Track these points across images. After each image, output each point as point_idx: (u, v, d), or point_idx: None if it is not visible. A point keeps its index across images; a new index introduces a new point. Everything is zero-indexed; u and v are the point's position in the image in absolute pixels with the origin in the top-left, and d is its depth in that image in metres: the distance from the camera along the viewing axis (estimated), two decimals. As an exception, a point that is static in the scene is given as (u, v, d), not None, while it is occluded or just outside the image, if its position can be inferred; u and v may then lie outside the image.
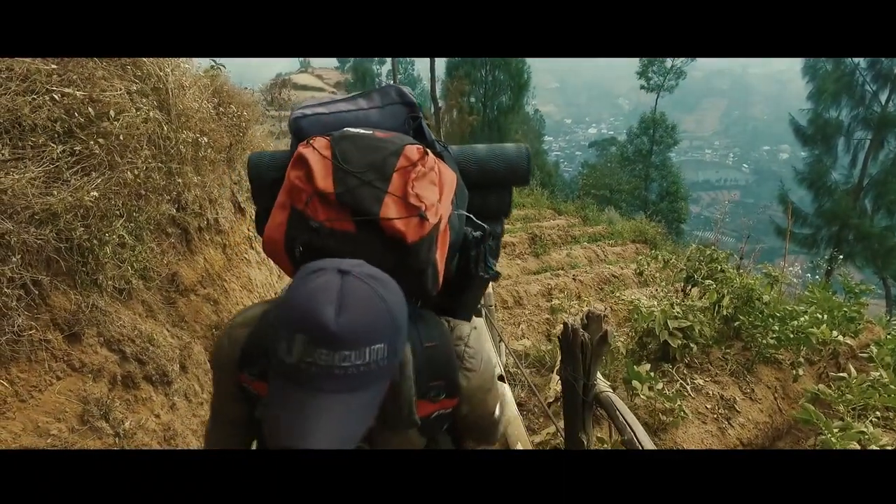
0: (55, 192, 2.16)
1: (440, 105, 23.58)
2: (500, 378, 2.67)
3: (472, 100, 28.00)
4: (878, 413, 2.75)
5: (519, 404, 2.85)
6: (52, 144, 2.30)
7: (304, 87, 46.93)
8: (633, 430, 1.39)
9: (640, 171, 27.67)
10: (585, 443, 1.57)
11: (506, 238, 8.40)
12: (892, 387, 2.79)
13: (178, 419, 2.81)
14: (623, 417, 1.44)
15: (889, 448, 2.28)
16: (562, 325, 3.33)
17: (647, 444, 1.40)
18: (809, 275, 6.06)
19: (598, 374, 1.60)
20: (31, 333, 2.06)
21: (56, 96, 2.42)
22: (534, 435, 2.66)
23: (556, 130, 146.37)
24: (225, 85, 5.20)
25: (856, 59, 16.07)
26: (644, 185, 27.28)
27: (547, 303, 6.43)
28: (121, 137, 2.61)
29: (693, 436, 2.74)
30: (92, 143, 2.45)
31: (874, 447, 2.24)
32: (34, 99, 2.32)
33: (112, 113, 2.59)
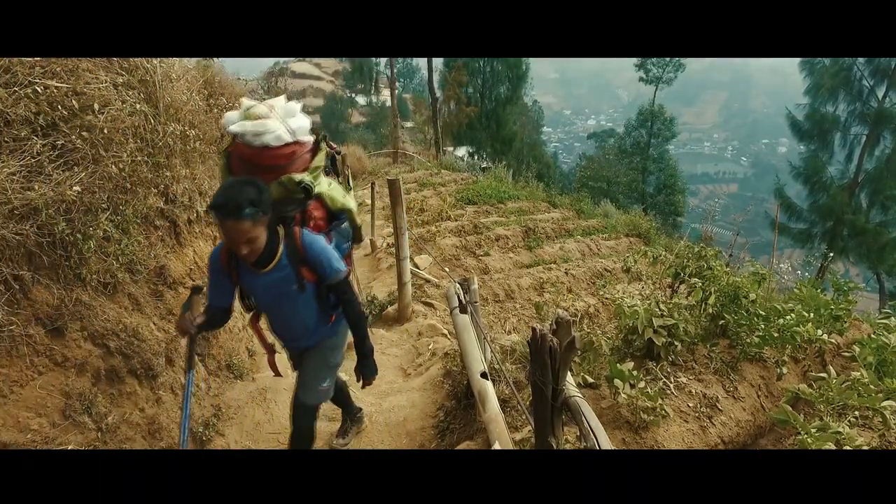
0: (36, 187, 2.15)
1: (438, 96, 23.46)
2: (483, 375, 2.68)
3: (471, 90, 27.88)
4: (856, 413, 2.78)
5: (503, 401, 2.86)
6: (35, 138, 2.28)
7: (303, 76, 46.67)
8: (595, 438, 1.40)
9: (637, 163, 27.63)
10: (555, 446, 1.59)
11: (499, 231, 8.39)
12: (872, 387, 2.82)
13: (163, 413, 2.82)
14: (588, 423, 1.46)
15: (864, 447, 2.30)
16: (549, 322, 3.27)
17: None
18: (800, 271, 6.08)
19: (569, 378, 1.62)
20: (12, 329, 2.07)
21: (39, 88, 2.40)
22: (516, 432, 2.68)
23: (555, 121, 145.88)
24: (217, 76, 5.16)
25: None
26: (641, 178, 27.26)
27: (539, 297, 6.44)
28: (105, 131, 2.60)
29: (674, 434, 2.76)
30: (75, 136, 2.44)
31: (848, 448, 2.26)
32: (15, 91, 2.30)
33: (96, 106, 2.57)
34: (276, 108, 2.31)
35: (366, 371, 2.57)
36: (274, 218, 2.16)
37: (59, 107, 2.40)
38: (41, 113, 2.34)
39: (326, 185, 2.49)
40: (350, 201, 2.61)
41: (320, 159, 2.45)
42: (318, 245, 2.27)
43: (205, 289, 2.37)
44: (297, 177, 2.28)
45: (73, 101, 2.46)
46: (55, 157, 2.34)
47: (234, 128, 2.21)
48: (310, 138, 2.42)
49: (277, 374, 2.76)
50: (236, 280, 2.29)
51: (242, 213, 1.93)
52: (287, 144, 2.26)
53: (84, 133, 2.46)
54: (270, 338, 2.69)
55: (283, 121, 2.27)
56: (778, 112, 20.31)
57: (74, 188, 2.31)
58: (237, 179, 2.07)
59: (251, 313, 2.56)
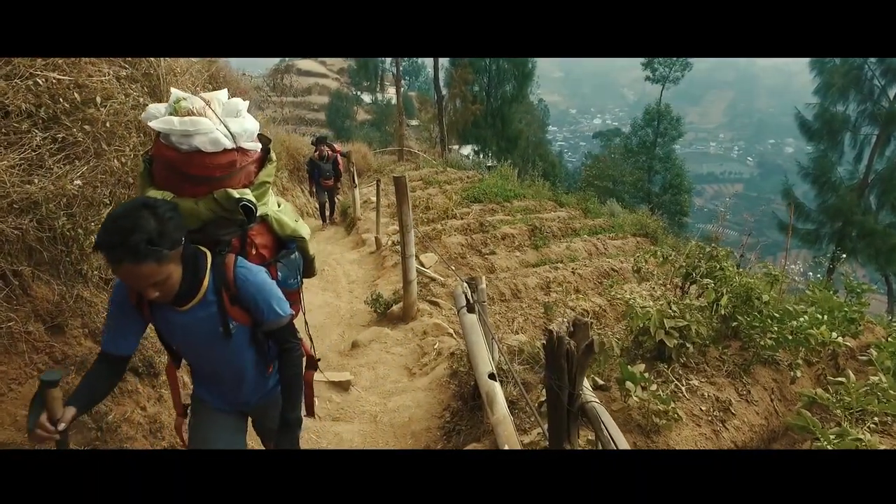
0: (36, 181, 2.10)
1: (443, 94, 23.42)
2: (491, 376, 2.62)
3: (476, 89, 27.82)
4: (876, 418, 2.71)
5: (511, 402, 2.81)
6: (35, 131, 2.24)
7: (308, 73, 46.66)
8: (615, 446, 1.34)
9: (643, 163, 27.54)
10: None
11: (505, 229, 8.33)
12: (892, 392, 2.75)
13: (165, 411, 2.77)
14: (607, 431, 1.40)
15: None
16: (556, 322, 3.21)
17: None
18: (811, 273, 6.00)
19: (585, 383, 1.56)
20: (11, 325, 2.02)
21: (40, 80, 2.35)
22: (524, 435, 2.63)
23: (561, 120, 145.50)
24: (222, 71, 5.12)
25: (865, 54, 15.87)
26: (647, 178, 27.16)
27: (545, 297, 6.37)
28: (107, 124, 2.55)
29: (687, 438, 2.69)
30: (76, 129, 2.39)
31: (870, 455, 2.19)
32: (16, 83, 2.25)
33: (99, 99, 2.53)
34: (215, 103, 1.81)
35: (284, 445, 1.88)
36: (205, 243, 1.75)
37: (61, 99, 2.35)
38: (42, 105, 2.29)
39: (275, 206, 2.03)
40: (302, 227, 2.11)
41: (268, 173, 1.95)
42: (255, 281, 1.77)
43: (61, 379, 1.58)
44: (237, 193, 1.77)
45: (75, 94, 2.41)
46: (56, 151, 2.29)
47: (156, 123, 1.69)
48: (256, 146, 1.90)
49: (182, 440, 2.17)
50: (148, 317, 1.78)
51: (139, 255, 1.44)
52: (225, 151, 1.75)
53: (86, 126, 2.41)
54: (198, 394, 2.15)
55: (222, 120, 1.77)
56: (783, 112, 20.27)
57: (75, 182, 2.27)
58: (128, 206, 1.52)
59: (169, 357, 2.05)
